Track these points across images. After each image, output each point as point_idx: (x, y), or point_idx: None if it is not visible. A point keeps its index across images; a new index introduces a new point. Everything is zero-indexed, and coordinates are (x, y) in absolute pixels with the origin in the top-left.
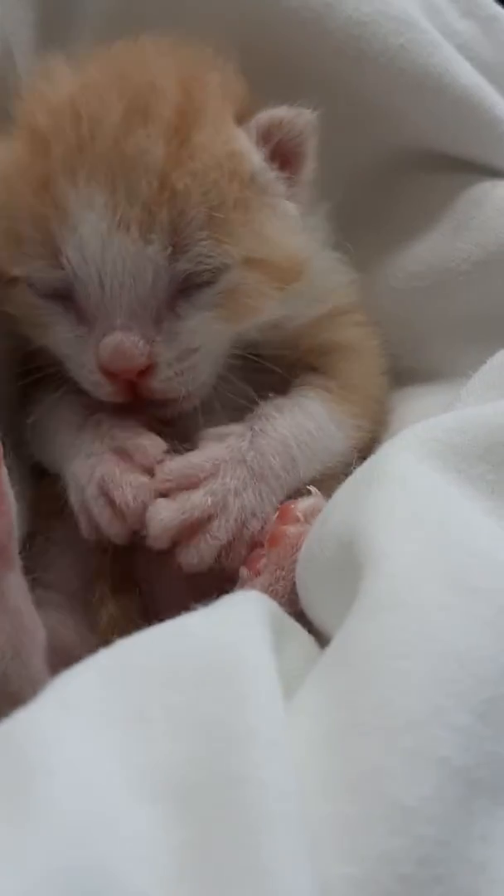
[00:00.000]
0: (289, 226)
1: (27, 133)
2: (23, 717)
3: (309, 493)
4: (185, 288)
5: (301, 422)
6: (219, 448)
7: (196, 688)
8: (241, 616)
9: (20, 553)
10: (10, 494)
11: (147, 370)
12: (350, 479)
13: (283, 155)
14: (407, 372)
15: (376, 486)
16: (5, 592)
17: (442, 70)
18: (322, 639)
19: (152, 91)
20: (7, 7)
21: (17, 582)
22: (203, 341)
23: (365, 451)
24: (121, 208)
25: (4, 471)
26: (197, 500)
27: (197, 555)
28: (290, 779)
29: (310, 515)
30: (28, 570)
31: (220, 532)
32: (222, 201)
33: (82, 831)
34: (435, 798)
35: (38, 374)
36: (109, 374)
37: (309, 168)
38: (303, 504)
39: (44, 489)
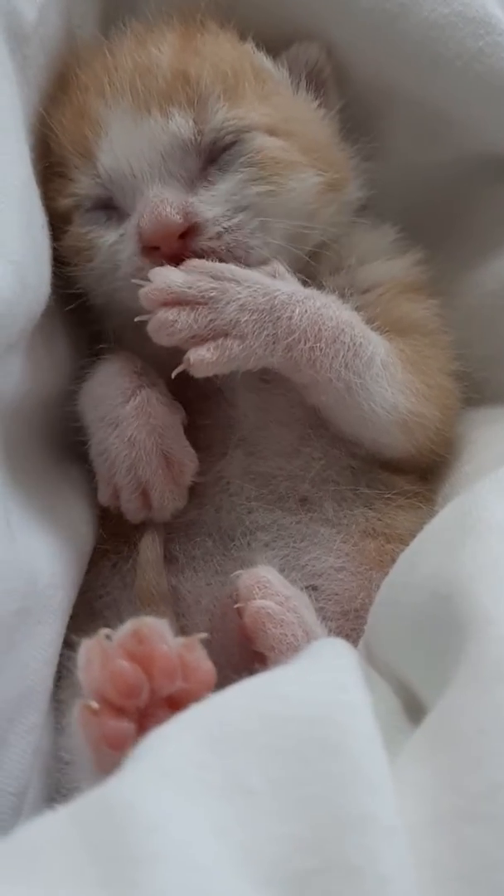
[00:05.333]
0: (317, 118)
1: (65, 79)
2: (120, 789)
3: None
4: (214, 158)
5: (362, 332)
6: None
7: (300, 762)
8: (338, 676)
9: None
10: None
11: (189, 233)
12: (438, 521)
13: (311, 85)
14: (479, 395)
15: (473, 534)
16: None
17: None
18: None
19: (161, 31)
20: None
21: None
22: (249, 201)
23: (429, 470)
24: (141, 101)
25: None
26: (204, 286)
27: (156, 325)
28: (410, 873)
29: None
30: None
31: (198, 319)
32: (236, 80)
33: None
34: None
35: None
36: (152, 251)
37: (334, 95)
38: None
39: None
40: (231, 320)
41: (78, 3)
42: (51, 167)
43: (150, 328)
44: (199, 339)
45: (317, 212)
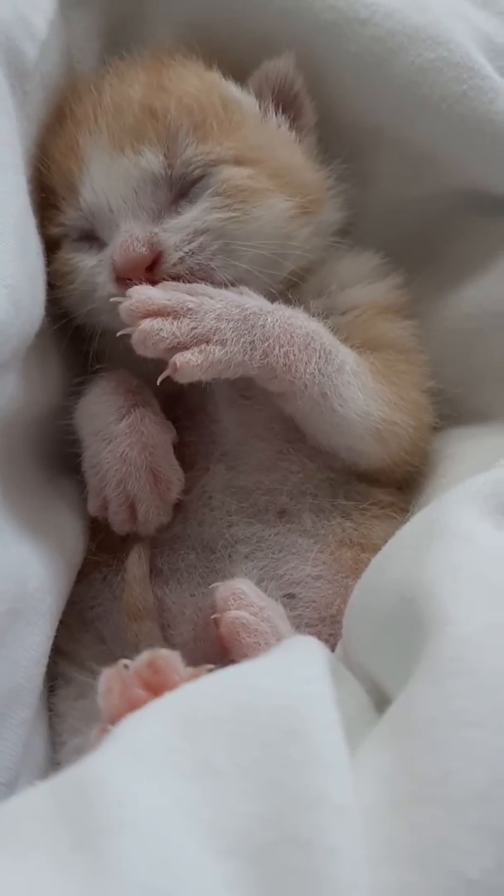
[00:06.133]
0: (287, 142)
1: (60, 112)
2: (94, 766)
3: None
4: (185, 191)
5: (330, 341)
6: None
7: (264, 746)
8: (305, 670)
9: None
10: None
11: (155, 263)
12: (408, 528)
13: (283, 102)
14: (456, 413)
15: (438, 540)
16: None
17: (503, 117)
18: (365, 684)
19: (135, 67)
20: (74, 21)
21: None
22: (208, 225)
23: (404, 481)
24: (116, 138)
25: None
26: (182, 298)
27: (141, 335)
28: (360, 847)
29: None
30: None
31: (181, 327)
32: (203, 113)
33: (152, 888)
34: (497, 871)
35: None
36: (125, 282)
37: (308, 110)
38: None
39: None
40: (211, 328)
41: (78, 39)
42: (45, 197)
43: (134, 339)
44: (182, 348)
45: (290, 234)
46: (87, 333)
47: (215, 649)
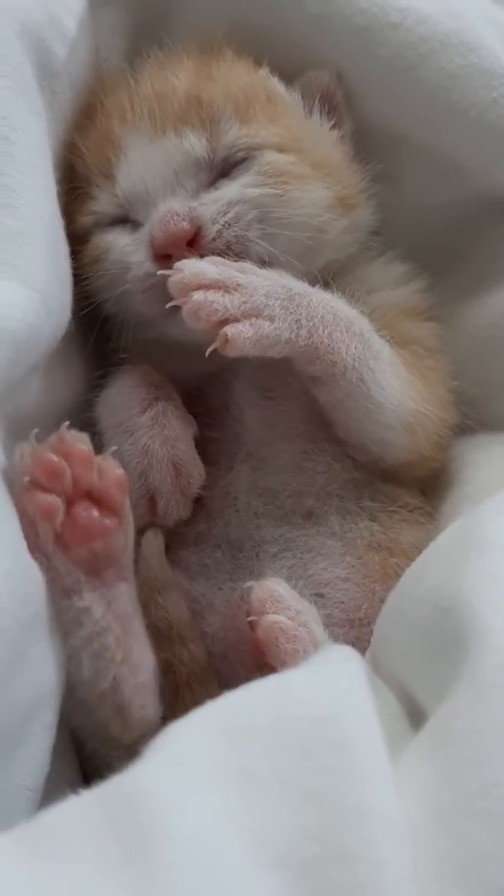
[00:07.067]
0: (329, 139)
1: (91, 107)
2: (140, 776)
3: None
4: (226, 172)
5: (368, 328)
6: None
7: (308, 757)
8: (347, 681)
9: None
10: (129, 510)
11: (195, 238)
12: (443, 537)
13: (324, 109)
14: (478, 419)
15: (476, 552)
16: (117, 598)
17: None
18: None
19: (179, 59)
20: (102, 19)
21: (128, 591)
22: (245, 197)
23: (427, 483)
24: (158, 123)
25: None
26: (232, 273)
27: (194, 306)
28: (406, 861)
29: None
30: None
31: (232, 300)
32: (248, 102)
33: None
34: None
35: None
36: (163, 257)
37: (346, 120)
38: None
39: None
40: (261, 303)
41: (106, 37)
42: (74, 189)
43: (187, 310)
44: (232, 321)
45: (325, 225)
46: (111, 327)
47: (244, 639)
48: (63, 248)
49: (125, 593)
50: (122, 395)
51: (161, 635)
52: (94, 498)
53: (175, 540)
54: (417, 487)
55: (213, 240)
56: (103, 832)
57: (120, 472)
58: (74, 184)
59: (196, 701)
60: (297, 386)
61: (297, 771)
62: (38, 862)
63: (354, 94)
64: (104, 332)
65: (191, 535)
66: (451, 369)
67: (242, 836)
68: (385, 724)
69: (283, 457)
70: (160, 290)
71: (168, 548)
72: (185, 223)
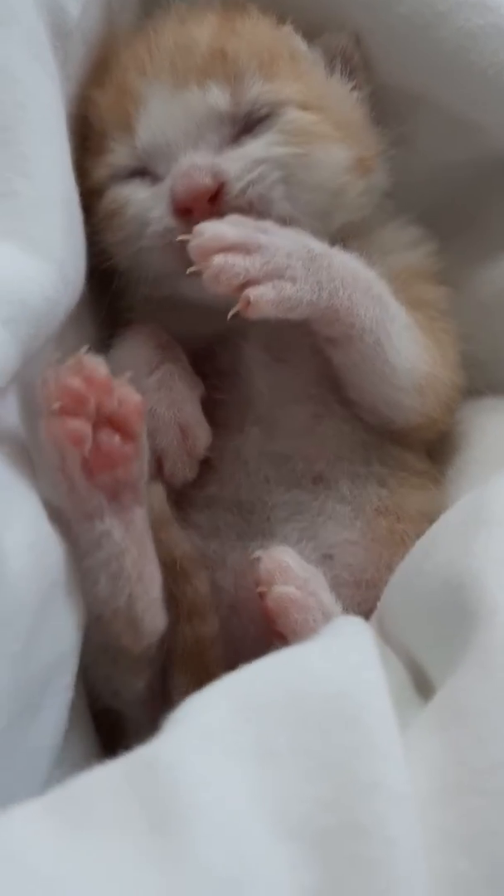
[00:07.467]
0: (350, 99)
1: (106, 61)
2: (163, 749)
3: None
4: (250, 128)
5: (385, 291)
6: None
7: (323, 732)
8: (359, 655)
9: None
10: (144, 437)
11: (218, 194)
12: (453, 512)
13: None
14: (485, 383)
15: (485, 529)
16: (134, 521)
17: None
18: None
19: (202, 13)
20: None
21: (142, 515)
22: (270, 155)
23: (434, 447)
24: (180, 76)
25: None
26: (253, 234)
27: (215, 270)
28: (415, 836)
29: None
30: None
31: (254, 262)
32: (271, 58)
33: (226, 872)
34: None
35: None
36: (184, 212)
37: (363, 82)
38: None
39: None
40: (283, 264)
41: None
42: (87, 143)
43: (208, 275)
44: (254, 283)
45: (345, 187)
46: (122, 284)
47: (256, 599)
48: (77, 213)
49: (140, 516)
50: (129, 357)
51: (165, 570)
52: (115, 424)
53: (187, 502)
54: (424, 450)
55: (236, 197)
56: (130, 803)
57: (138, 398)
58: (88, 138)
59: (195, 634)
60: (308, 348)
61: (313, 745)
62: (66, 830)
63: (373, 53)
64: (114, 290)
65: (202, 497)
66: (460, 332)
67: (262, 807)
68: (393, 692)
69: (295, 420)
70: (179, 247)
71: (180, 509)
72: (207, 178)
